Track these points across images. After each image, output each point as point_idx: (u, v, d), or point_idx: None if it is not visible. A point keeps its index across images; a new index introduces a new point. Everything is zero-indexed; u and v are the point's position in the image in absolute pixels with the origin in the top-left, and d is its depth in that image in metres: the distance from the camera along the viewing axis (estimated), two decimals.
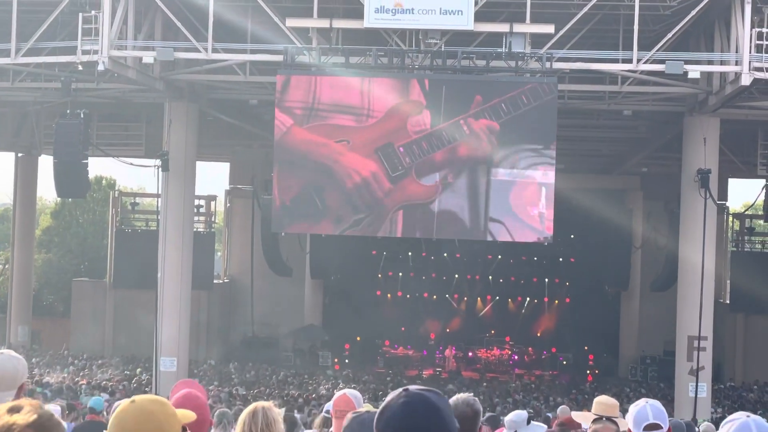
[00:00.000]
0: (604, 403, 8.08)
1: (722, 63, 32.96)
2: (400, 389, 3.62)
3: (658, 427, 7.08)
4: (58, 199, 58.74)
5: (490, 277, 56.04)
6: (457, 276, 55.94)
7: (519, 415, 10.19)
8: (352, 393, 7.17)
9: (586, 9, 32.36)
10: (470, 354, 52.97)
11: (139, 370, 44.28)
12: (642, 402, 7.28)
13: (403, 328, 55.04)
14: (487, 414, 11.79)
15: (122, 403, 4.37)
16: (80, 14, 32.48)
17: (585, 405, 32.73)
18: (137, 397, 4.39)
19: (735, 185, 56.00)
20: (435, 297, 56.13)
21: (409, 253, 55.12)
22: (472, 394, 5.93)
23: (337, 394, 7.21)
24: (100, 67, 32.39)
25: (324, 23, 33.03)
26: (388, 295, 56.23)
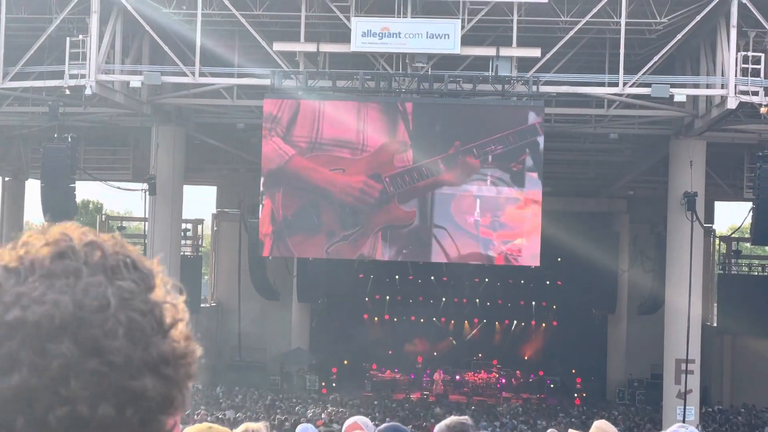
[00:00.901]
0: (603, 429, 8.03)
1: (708, 86, 33.13)
2: None
3: None
4: (45, 223, 58.55)
5: (477, 300, 55.99)
6: (444, 299, 55.90)
7: None
8: (363, 421, 7.07)
9: (572, 33, 32.52)
10: (457, 377, 52.92)
11: None
12: (680, 430, 6.89)
13: (390, 352, 54.94)
14: None
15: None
16: (68, 39, 32.54)
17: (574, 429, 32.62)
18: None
19: (721, 208, 56.16)
20: (422, 320, 56.06)
21: (396, 277, 55.09)
22: (466, 417, 5.81)
23: (348, 421, 7.08)
24: (88, 92, 32.42)
25: (311, 47, 33.14)
26: (376, 319, 56.19)
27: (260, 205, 30.51)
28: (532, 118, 29.74)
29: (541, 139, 29.48)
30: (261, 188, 30.19)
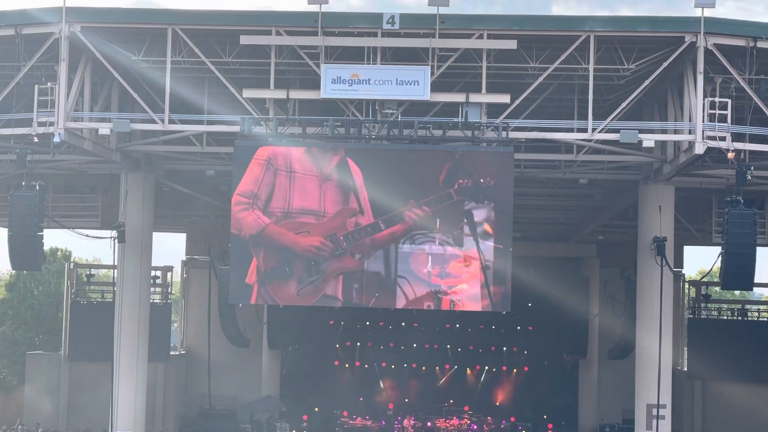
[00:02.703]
0: None
1: (676, 132, 33.34)
2: None
3: None
4: (13, 271, 58.14)
5: (449, 346, 55.85)
6: (415, 345, 55.69)
7: None
8: None
9: (541, 79, 32.73)
10: (429, 424, 52.62)
11: None
12: None
13: (361, 399, 54.67)
14: None
15: None
16: (36, 86, 32.41)
17: None
18: None
19: (691, 252, 56.27)
20: (393, 366, 55.85)
21: (367, 323, 54.89)
22: None
23: None
24: (56, 139, 32.27)
25: (281, 94, 33.18)
26: (346, 365, 55.91)
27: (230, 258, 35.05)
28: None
29: (480, 210, 33.41)
30: (244, 248, 33.47)
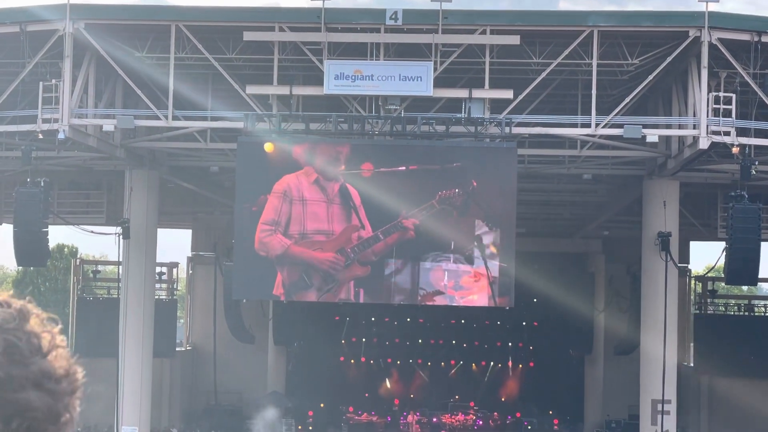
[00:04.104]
0: None
1: (680, 127, 33.29)
2: None
3: None
4: (20, 267, 58.27)
5: (454, 342, 55.80)
6: (420, 341, 55.69)
7: None
8: None
9: (544, 74, 32.70)
10: (434, 419, 52.67)
11: None
12: None
13: (366, 394, 54.67)
14: None
15: None
16: (41, 83, 32.48)
17: None
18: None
19: (698, 248, 56.22)
20: (399, 362, 55.84)
21: (372, 319, 54.88)
22: None
23: None
24: (61, 136, 32.34)
25: (284, 90, 33.22)
26: (352, 361, 55.92)
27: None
28: None
29: (488, 234, 36.21)
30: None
